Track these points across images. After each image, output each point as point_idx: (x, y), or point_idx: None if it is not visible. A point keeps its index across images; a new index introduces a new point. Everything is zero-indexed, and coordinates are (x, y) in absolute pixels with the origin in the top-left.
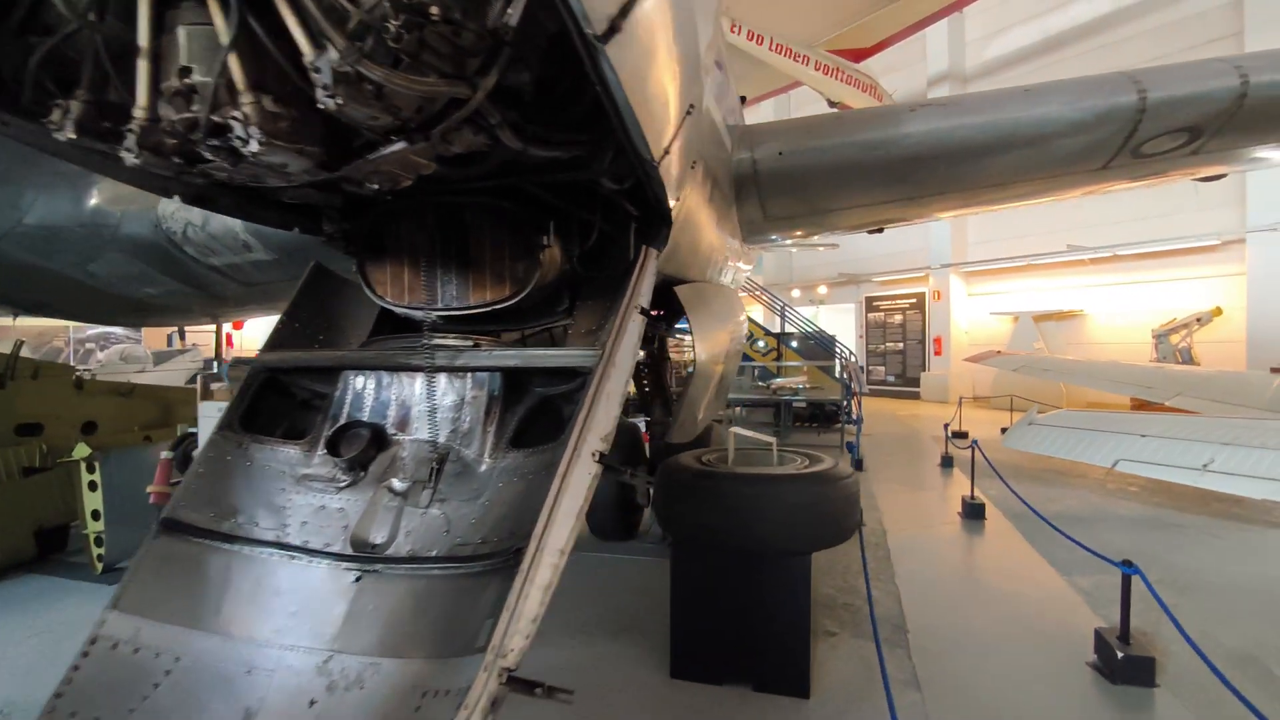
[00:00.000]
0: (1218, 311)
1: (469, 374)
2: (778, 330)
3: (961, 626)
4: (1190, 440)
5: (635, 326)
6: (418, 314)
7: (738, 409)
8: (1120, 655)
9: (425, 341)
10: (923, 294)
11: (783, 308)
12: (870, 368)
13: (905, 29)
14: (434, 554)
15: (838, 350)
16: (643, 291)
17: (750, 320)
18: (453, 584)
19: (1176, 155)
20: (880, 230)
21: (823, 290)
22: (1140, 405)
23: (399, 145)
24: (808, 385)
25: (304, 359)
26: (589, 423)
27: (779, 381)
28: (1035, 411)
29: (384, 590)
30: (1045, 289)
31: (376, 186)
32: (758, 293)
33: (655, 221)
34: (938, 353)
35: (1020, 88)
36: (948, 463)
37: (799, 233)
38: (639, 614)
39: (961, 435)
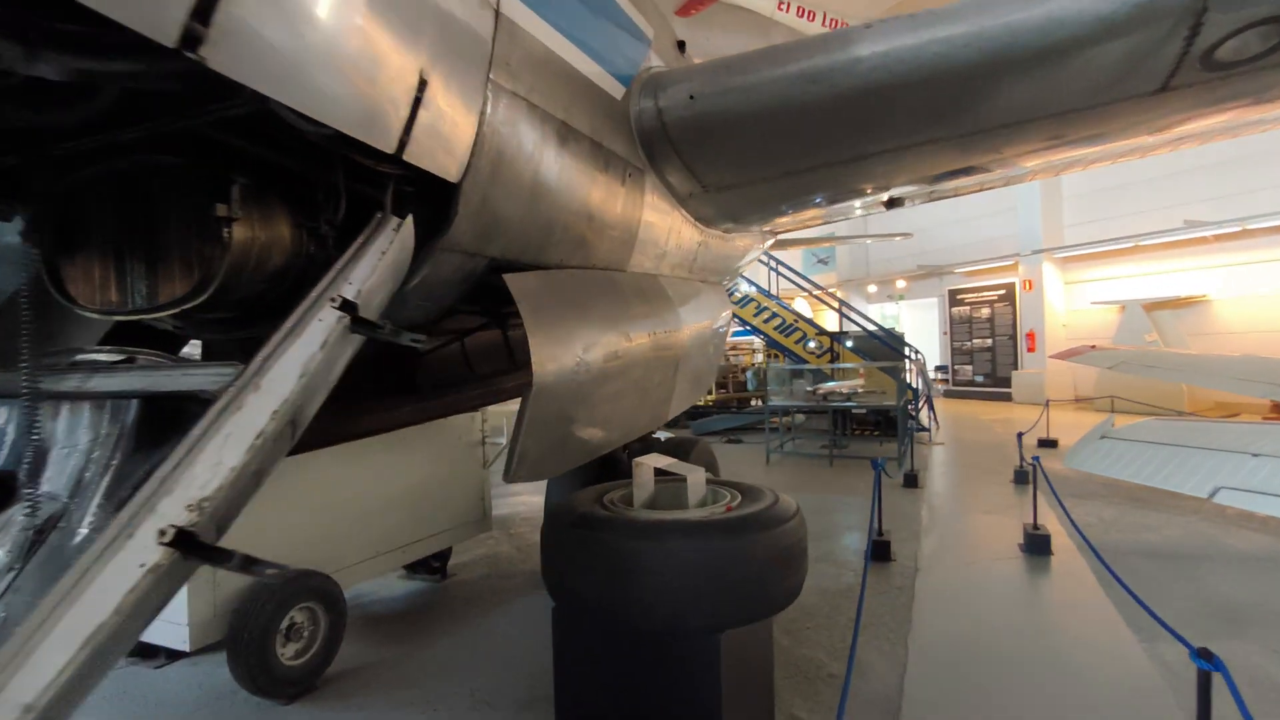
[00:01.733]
0: None
1: (91, 403)
2: (852, 330)
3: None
4: None
5: (317, 331)
6: (108, 317)
7: (790, 416)
8: None
9: (70, 359)
10: (1012, 284)
11: (840, 305)
12: (956, 367)
13: None
14: None
15: (906, 349)
16: (356, 277)
17: (800, 318)
18: None
19: (1275, 65)
20: (897, 204)
21: (901, 284)
22: None
23: None
24: (863, 389)
25: None
26: (173, 478)
27: (828, 386)
28: (1110, 421)
29: None
30: (1158, 273)
31: None
32: (818, 292)
33: (429, 186)
34: (1031, 349)
35: None
36: (1022, 478)
37: (781, 215)
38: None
39: (1050, 444)
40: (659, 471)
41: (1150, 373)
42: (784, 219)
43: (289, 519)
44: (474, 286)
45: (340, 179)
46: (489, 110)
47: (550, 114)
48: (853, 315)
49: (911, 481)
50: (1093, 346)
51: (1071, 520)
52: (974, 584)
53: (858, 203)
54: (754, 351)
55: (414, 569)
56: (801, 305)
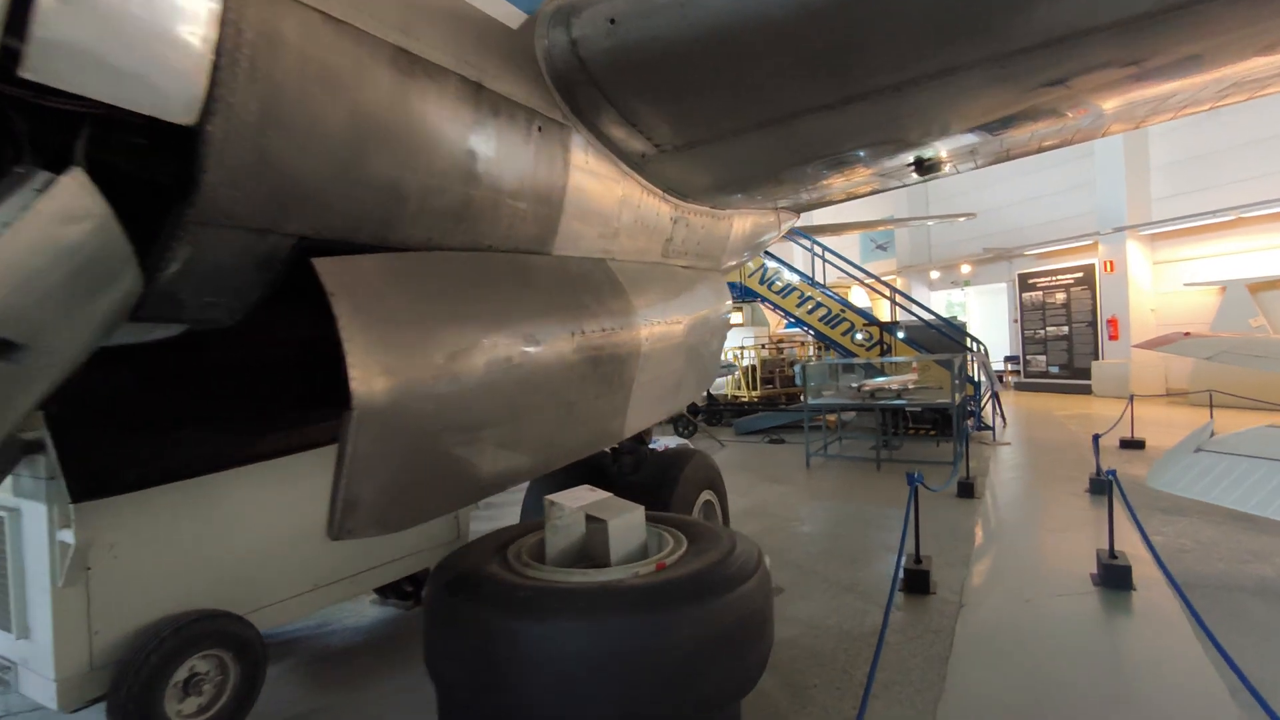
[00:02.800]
0: None
1: None
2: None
3: None
4: None
5: None
6: None
7: (838, 415)
8: None
9: None
10: (1091, 266)
11: (892, 293)
12: (1028, 357)
13: None
14: None
15: (966, 340)
16: None
17: (849, 308)
18: None
19: None
20: (932, 169)
21: (966, 270)
22: None
23: None
24: (913, 384)
25: None
26: None
27: (875, 382)
28: (1207, 431)
29: None
30: (1264, 248)
31: None
32: (868, 280)
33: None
34: (1113, 337)
35: None
36: (1099, 487)
37: (777, 184)
38: None
39: (1136, 445)
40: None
41: (1257, 364)
42: (784, 189)
43: (193, 553)
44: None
45: None
46: (243, 19)
47: (369, 34)
48: (906, 303)
49: (966, 491)
50: (1187, 333)
51: (1152, 549)
52: (1031, 628)
53: (873, 166)
54: (804, 344)
55: (384, 594)
56: (859, 296)
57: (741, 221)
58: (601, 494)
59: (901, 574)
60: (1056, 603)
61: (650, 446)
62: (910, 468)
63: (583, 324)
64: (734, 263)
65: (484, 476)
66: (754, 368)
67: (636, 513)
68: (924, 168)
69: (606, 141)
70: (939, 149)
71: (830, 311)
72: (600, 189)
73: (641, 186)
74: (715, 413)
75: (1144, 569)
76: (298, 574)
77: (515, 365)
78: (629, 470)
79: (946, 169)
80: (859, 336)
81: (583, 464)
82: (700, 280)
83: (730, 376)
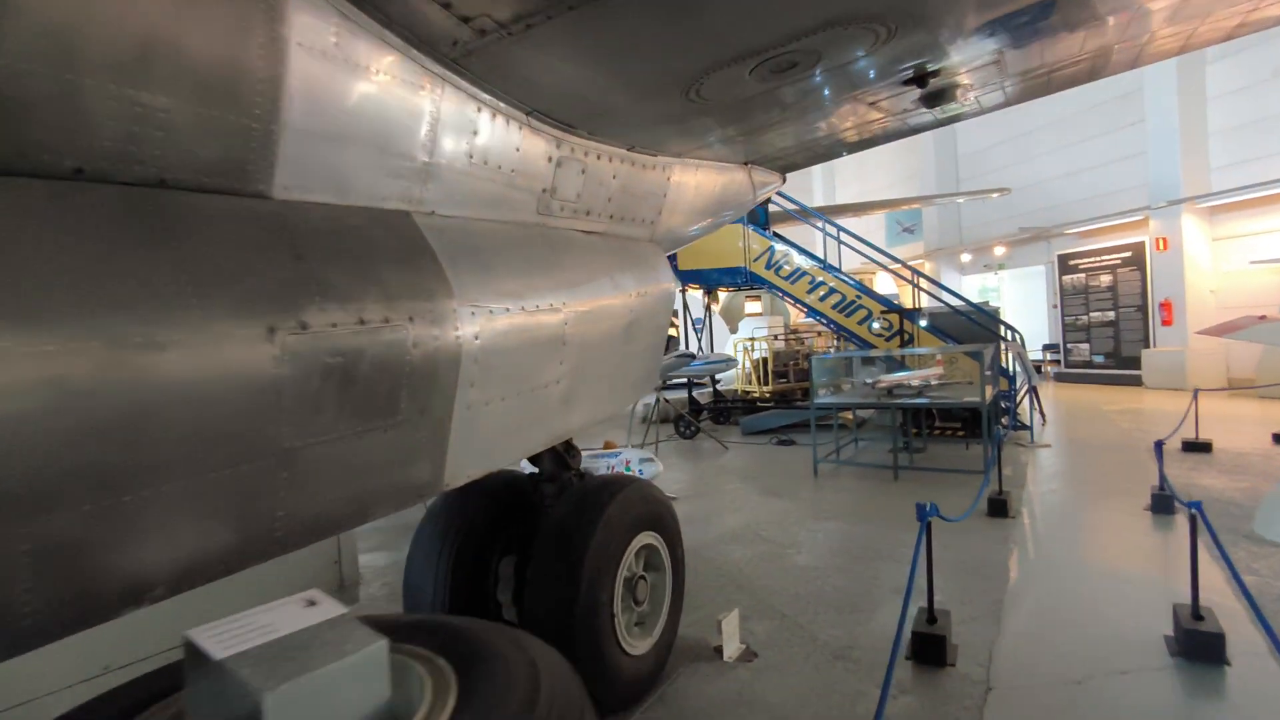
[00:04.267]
0: None
1: None
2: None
3: None
4: None
5: None
6: None
7: (853, 414)
8: None
9: None
10: (1141, 244)
11: (913, 275)
12: (1069, 345)
13: None
14: None
15: (1002, 328)
16: None
17: (865, 293)
18: None
19: None
20: (942, 100)
21: (1000, 251)
22: None
23: None
24: (938, 380)
25: None
26: None
27: (893, 377)
28: None
29: None
30: None
31: None
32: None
33: None
34: (1166, 322)
35: None
36: (1163, 506)
37: (682, 96)
38: None
39: (1201, 447)
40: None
41: None
42: (730, 121)
43: None
44: None
45: None
46: None
47: None
48: (930, 287)
49: (999, 509)
50: (1263, 316)
51: (1253, 605)
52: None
53: (852, 81)
54: (821, 334)
55: None
56: (886, 284)
57: (688, 174)
58: (326, 609)
59: (909, 637)
60: (1119, 686)
61: (584, 468)
62: (932, 479)
63: (309, 311)
64: (690, 230)
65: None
66: (765, 360)
67: (351, 660)
68: (932, 96)
69: (370, 5)
70: (944, 54)
71: (845, 298)
72: (368, 91)
73: (473, 99)
74: (723, 410)
75: (1235, 624)
76: (75, 656)
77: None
78: (551, 500)
79: (961, 100)
80: (875, 325)
81: (500, 490)
82: (615, 251)
83: (738, 370)
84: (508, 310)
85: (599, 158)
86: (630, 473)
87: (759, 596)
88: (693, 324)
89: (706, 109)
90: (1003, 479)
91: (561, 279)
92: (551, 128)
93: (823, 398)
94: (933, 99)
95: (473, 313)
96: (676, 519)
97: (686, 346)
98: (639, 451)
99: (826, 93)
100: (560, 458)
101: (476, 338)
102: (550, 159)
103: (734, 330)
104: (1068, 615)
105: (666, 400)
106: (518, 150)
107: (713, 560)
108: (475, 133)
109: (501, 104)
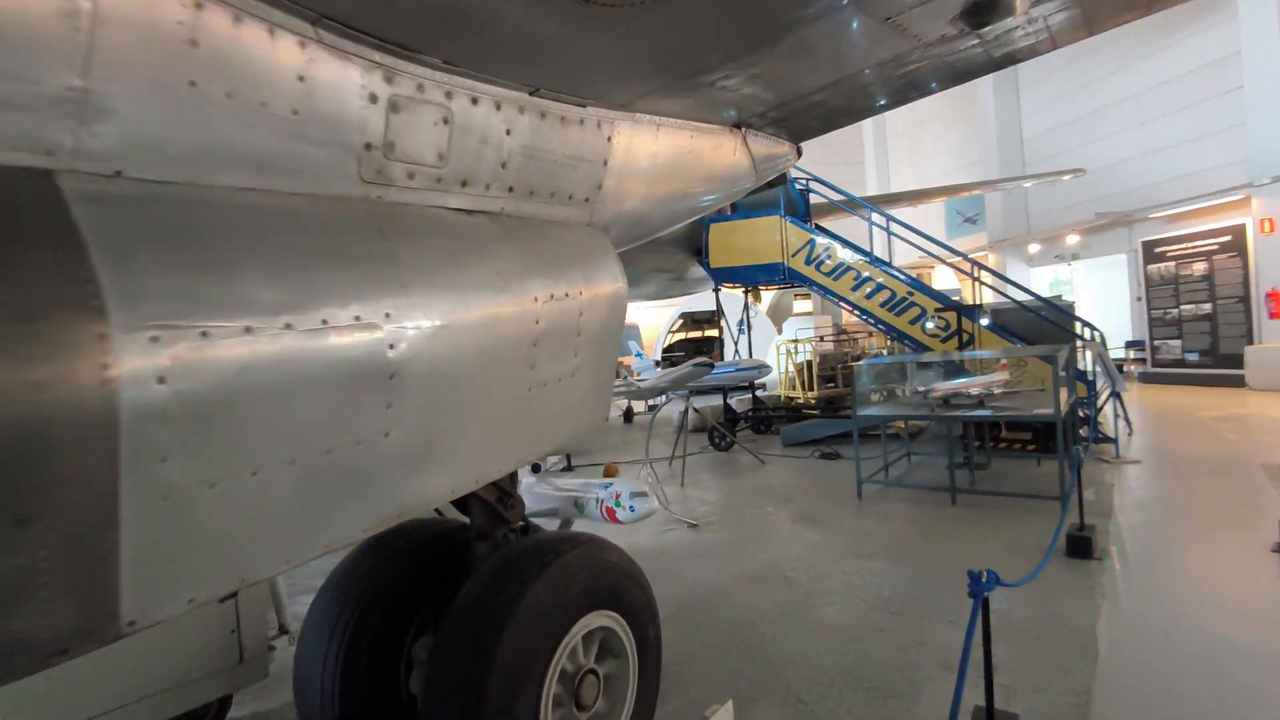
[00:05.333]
0: None
1: None
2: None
3: None
4: None
5: None
6: None
7: (905, 425)
8: None
9: None
10: (1241, 227)
11: (972, 267)
12: (1156, 342)
13: None
14: None
15: (1078, 326)
16: None
17: (918, 289)
18: None
19: None
20: (989, 9)
21: (1073, 240)
22: None
23: None
24: (1002, 387)
25: None
26: None
27: (948, 385)
28: None
29: None
30: None
31: None
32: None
33: None
34: (1275, 314)
35: None
36: None
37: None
38: None
39: None
40: None
41: None
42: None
43: None
44: None
45: None
46: None
47: None
48: (993, 280)
49: (1081, 548)
50: None
51: None
52: None
53: None
54: (871, 335)
55: None
56: (946, 279)
57: (644, 136)
58: None
59: None
60: None
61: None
62: (996, 506)
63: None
64: (658, 214)
65: None
66: (810, 364)
67: None
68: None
69: None
70: None
71: (895, 294)
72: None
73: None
74: (764, 419)
75: None
76: None
77: None
78: (483, 563)
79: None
80: (929, 325)
81: (423, 546)
82: (517, 238)
83: (780, 375)
84: (249, 332)
85: (475, 102)
86: (619, 509)
87: (771, 667)
88: (734, 327)
89: (653, 29)
90: (1084, 508)
91: (393, 279)
92: (369, 49)
93: (868, 409)
94: (979, 10)
95: (155, 339)
96: (646, 588)
97: (741, 352)
98: (631, 484)
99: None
100: (491, 509)
101: (162, 380)
102: (374, 98)
103: (781, 331)
104: (1187, 711)
105: (696, 409)
106: (302, 80)
107: (723, 611)
108: (194, 44)
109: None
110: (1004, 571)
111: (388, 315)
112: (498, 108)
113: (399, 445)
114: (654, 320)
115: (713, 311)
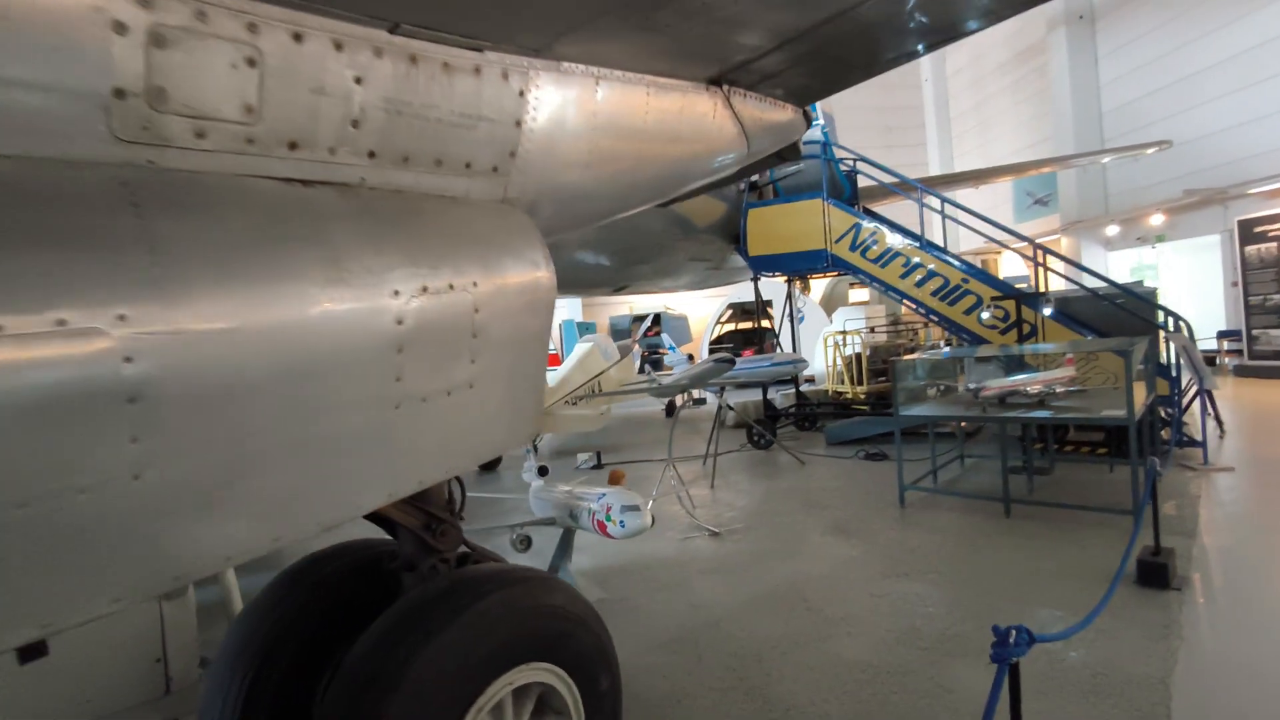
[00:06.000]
0: None
1: None
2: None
3: None
4: None
5: None
6: None
7: (958, 424)
8: None
9: None
10: None
11: (1037, 251)
12: (1255, 332)
13: None
14: None
15: (1160, 314)
16: None
17: (973, 275)
18: None
19: None
20: None
21: (1158, 220)
22: None
23: None
24: (1066, 385)
25: None
26: None
27: (1006, 381)
28: None
29: None
30: None
31: None
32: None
33: None
34: None
35: None
36: None
37: None
38: None
39: None
40: None
41: None
42: None
43: None
44: None
45: None
46: None
47: None
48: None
49: (1155, 575)
50: None
51: None
52: None
53: None
54: (926, 325)
55: None
56: (1014, 265)
57: (576, 90)
58: None
59: None
60: None
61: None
62: (1057, 519)
63: None
64: (606, 193)
65: None
66: (859, 357)
67: None
68: None
69: None
70: None
71: (948, 282)
72: None
73: None
74: (808, 415)
75: None
76: None
77: None
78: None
79: None
80: (985, 315)
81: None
82: (376, 218)
83: (828, 368)
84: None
85: (298, 39)
86: (610, 522)
87: (769, 715)
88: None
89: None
90: (1160, 526)
91: (140, 270)
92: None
93: (911, 409)
94: None
95: None
96: (600, 633)
97: (793, 345)
98: (624, 496)
99: None
100: (416, 537)
101: None
102: (120, 26)
103: (832, 321)
104: None
105: (731, 406)
106: None
107: (731, 640)
108: None
109: None
110: (1059, 601)
111: (122, 318)
112: (337, 48)
113: (154, 491)
114: (705, 311)
115: (764, 301)
